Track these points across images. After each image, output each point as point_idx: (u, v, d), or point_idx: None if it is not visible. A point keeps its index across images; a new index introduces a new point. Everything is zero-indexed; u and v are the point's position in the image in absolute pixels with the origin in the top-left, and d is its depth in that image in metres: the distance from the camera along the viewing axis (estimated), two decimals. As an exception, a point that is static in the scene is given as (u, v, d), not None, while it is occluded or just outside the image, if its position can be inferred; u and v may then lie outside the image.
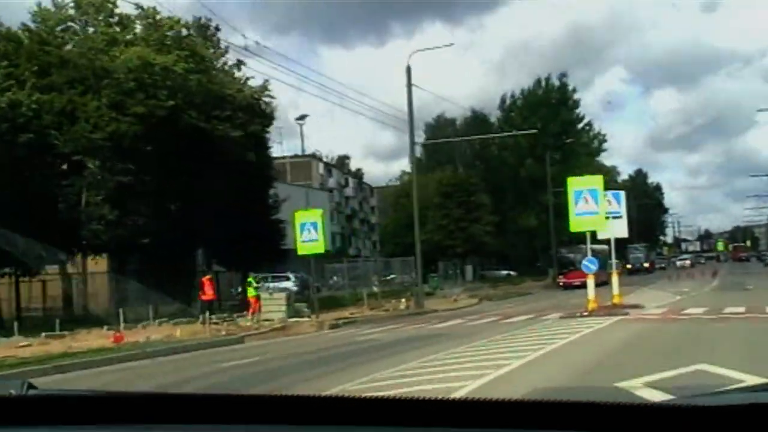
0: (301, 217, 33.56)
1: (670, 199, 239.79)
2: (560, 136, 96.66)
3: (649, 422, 1.61)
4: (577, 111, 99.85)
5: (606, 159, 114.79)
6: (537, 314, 30.07)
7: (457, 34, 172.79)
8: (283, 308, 32.41)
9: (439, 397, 1.81)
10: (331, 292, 52.68)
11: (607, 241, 32.40)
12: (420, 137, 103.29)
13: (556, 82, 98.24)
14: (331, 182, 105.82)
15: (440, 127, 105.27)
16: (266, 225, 42.80)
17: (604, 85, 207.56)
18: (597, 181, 30.26)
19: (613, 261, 31.69)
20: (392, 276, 57.62)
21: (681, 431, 1.59)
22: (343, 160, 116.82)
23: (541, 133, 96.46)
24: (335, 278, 56.65)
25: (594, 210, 30.34)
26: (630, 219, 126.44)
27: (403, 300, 38.45)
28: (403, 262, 57.92)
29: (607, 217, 31.02)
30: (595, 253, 41.10)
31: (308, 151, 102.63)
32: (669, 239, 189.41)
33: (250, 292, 35.13)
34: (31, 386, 2.07)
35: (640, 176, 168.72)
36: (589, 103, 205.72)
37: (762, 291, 37.81)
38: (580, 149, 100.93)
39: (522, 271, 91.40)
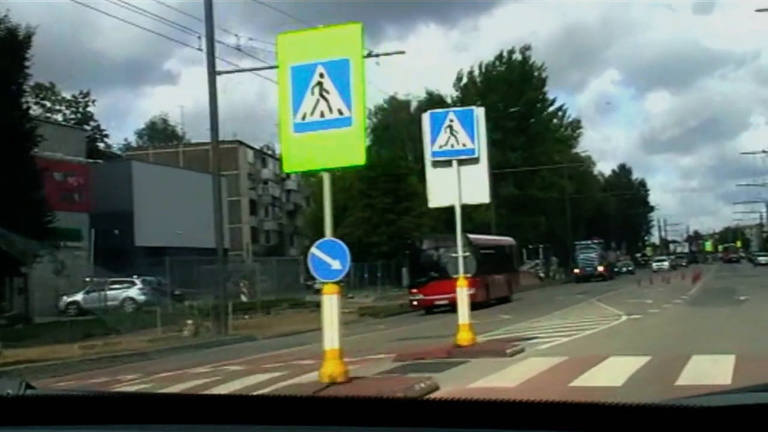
0: None
1: (663, 201, 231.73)
2: (524, 119, 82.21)
3: (651, 422, 1.58)
4: (545, 90, 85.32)
5: (600, 163, 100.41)
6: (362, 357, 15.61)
7: (452, 36, 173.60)
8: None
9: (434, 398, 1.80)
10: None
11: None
12: (370, 121, 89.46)
13: (520, 57, 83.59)
14: (266, 173, 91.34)
15: (393, 110, 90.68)
16: (24, 206, 28.28)
17: (598, 87, 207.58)
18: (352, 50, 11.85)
19: (460, 257, 16.57)
20: (263, 279, 43.00)
21: (685, 431, 1.56)
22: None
23: (500, 114, 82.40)
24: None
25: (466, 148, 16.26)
26: (608, 216, 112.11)
27: (190, 322, 23.90)
28: (283, 263, 43.43)
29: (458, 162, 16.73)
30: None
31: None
32: (655, 240, 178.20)
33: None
34: (28, 386, 2.02)
35: (623, 171, 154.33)
36: (583, 105, 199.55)
37: (763, 304, 23.64)
38: (547, 134, 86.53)
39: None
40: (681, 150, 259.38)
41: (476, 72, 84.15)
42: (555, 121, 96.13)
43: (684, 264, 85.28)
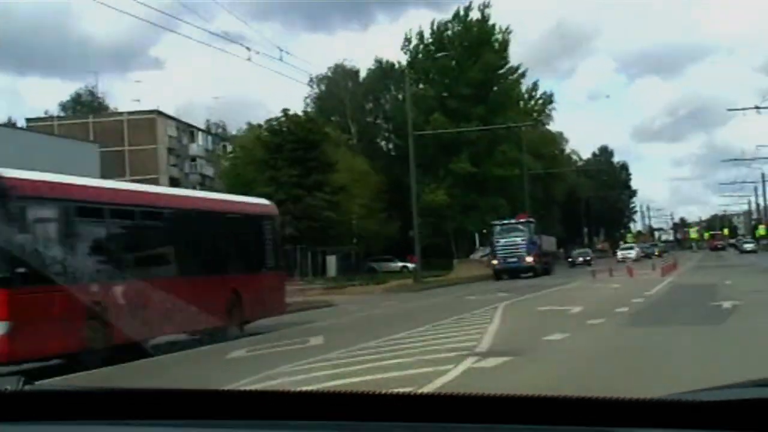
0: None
1: (650, 189, 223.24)
2: (482, 86, 70.77)
3: (650, 417, 1.55)
4: (507, 55, 73.76)
5: (583, 148, 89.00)
6: None
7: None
8: None
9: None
10: None
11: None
12: (312, 90, 78.06)
13: (478, 15, 72.01)
14: (195, 148, 79.82)
15: (338, 79, 79.19)
16: None
17: (588, 75, 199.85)
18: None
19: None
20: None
21: (683, 426, 1.52)
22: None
23: (454, 80, 71.08)
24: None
25: None
26: (583, 200, 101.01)
27: None
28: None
29: None
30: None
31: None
32: (640, 227, 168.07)
33: None
34: (27, 382, 1.97)
35: (604, 154, 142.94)
36: (575, 92, 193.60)
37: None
38: (509, 104, 75.11)
39: (436, 262, 65.04)
40: (669, 138, 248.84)
41: (427, 33, 72.57)
42: (522, 91, 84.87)
43: (656, 253, 72.45)
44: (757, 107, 42.69)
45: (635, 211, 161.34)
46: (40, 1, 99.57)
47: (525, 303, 22.05)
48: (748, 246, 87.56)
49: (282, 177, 45.66)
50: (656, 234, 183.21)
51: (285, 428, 1.74)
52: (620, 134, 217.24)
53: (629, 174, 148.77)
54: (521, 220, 51.63)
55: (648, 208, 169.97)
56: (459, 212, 70.01)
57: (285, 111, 47.96)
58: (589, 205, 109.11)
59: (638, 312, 17.27)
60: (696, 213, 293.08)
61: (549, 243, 58.94)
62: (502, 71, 73.89)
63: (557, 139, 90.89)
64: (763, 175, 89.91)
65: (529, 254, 47.97)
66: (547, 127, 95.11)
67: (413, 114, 71.04)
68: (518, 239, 48.77)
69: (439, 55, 68.33)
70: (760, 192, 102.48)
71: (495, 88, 72.32)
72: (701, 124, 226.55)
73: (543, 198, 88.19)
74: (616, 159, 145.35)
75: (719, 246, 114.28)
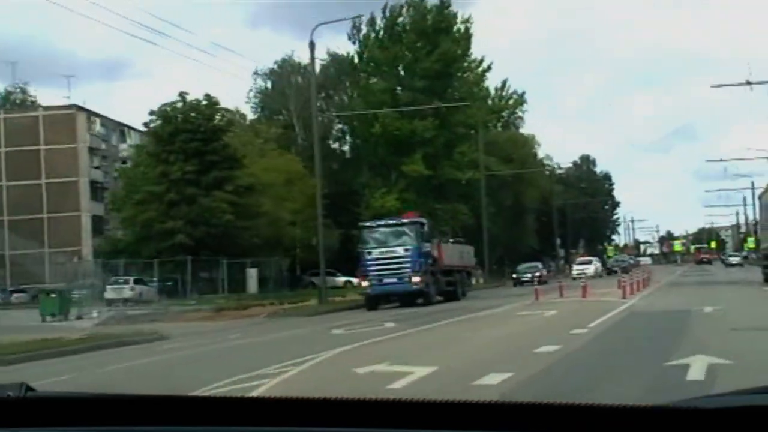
0: None
1: (637, 202, 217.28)
2: (439, 78, 62.40)
3: (652, 424, 1.55)
4: (470, 47, 65.31)
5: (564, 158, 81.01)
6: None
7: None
8: None
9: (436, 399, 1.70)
10: None
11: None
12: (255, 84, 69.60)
13: (436, 1, 63.48)
14: (126, 148, 71.17)
15: (285, 73, 70.74)
16: None
17: (579, 87, 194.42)
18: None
19: None
20: None
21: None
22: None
23: (408, 71, 62.66)
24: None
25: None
26: (558, 209, 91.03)
27: None
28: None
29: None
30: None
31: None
32: (624, 240, 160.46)
33: None
34: (29, 388, 1.96)
35: (586, 163, 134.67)
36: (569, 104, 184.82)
37: None
38: (472, 101, 66.59)
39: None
40: (657, 151, 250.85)
41: (379, 20, 64.10)
42: (490, 89, 76.58)
43: (622, 268, 61.97)
44: (748, 82, 34.98)
45: (618, 223, 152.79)
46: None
47: (366, 352, 13.43)
48: (734, 259, 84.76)
49: (174, 173, 37.10)
50: (642, 247, 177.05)
51: None
52: (608, 146, 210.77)
53: (612, 184, 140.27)
54: (405, 221, 34.73)
55: (632, 220, 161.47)
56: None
57: (182, 94, 39.40)
58: (565, 214, 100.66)
59: (518, 386, 8.71)
60: (684, 226, 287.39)
61: (461, 254, 41.56)
62: (464, 64, 65.41)
63: (529, 143, 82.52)
64: (752, 183, 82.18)
65: (416, 272, 32.14)
66: (521, 131, 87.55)
67: (361, 108, 63.04)
68: (400, 249, 32.70)
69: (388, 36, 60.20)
70: (749, 201, 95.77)
71: (455, 83, 63.86)
72: (691, 138, 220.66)
73: (513, 205, 79.99)
74: (598, 169, 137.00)
75: (705, 260, 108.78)
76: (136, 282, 40.77)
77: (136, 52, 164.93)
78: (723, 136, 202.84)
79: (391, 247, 32.84)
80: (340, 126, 72.64)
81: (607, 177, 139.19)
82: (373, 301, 32.13)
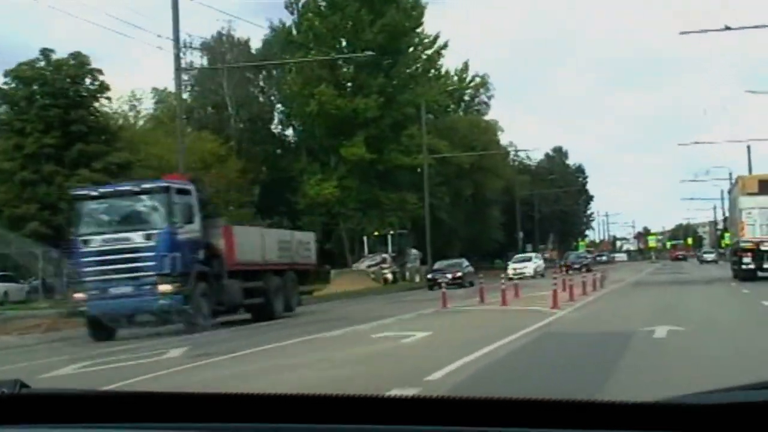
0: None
1: (614, 198, 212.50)
2: (384, 53, 55.53)
3: (652, 420, 1.53)
4: (421, 21, 58.46)
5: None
6: None
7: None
8: None
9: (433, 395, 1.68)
10: None
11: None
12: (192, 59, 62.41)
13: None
14: None
15: (223, 51, 63.50)
16: None
17: (565, 83, 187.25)
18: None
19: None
20: None
21: (679, 429, 1.51)
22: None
23: (349, 43, 55.78)
24: None
25: None
26: (531, 203, 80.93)
27: None
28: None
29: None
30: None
31: None
32: (599, 236, 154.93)
33: None
34: (23, 385, 1.91)
35: (557, 154, 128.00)
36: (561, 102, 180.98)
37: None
38: (422, 79, 59.98)
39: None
40: (637, 148, 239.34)
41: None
42: (450, 71, 69.91)
43: (584, 265, 54.06)
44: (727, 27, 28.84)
45: (593, 218, 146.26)
46: None
47: None
48: (709, 256, 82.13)
49: (30, 146, 30.04)
50: (618, 243, 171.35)
51: None
52: (585, 141, 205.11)
53: (585, 176, 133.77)
54: (147, 186, 20.60)
55: (607, 215, 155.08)
56: (357, 210, 54.76)
57: (45, 52, 32.22)
58: (533, 207, 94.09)
59: None
60: (662, 223, 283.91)
61: (284, 246, 25.72)
62: (414, 40, 58.54)
63: (491, 128, 75.71)
64: (730, 175, 76.29)
65: (166, 276, 19.20)
66: (485, 118, 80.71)
67: (296, 87, 56.07)
68: (137, 236, 19.42)
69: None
70: (726, 195, 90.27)
71: (404, 60, 57.02)
72: (670, 134, 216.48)
73: (474, 196, 73.26)
74: (571, 161, 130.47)
75: (680, 256, 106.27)
76: (1, 279, 34.07)
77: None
78: (704, 132, 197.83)
79: (121, 232, 19.49)
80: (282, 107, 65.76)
81: (580, 170, 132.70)
82: (98, 326, 19.25)
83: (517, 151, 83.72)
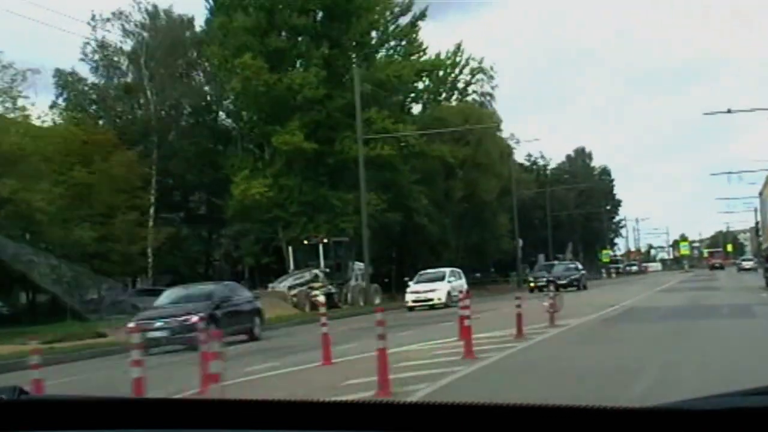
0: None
1: (650, 207, 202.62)
2: (330, 16, 43.96)
3: (652, 425, 1.52)
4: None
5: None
6: None
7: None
8: None
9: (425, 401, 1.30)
10: None
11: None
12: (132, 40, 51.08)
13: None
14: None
15: (169, 29, 51.77)
16: None
17: (593, 90, 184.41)
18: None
19: None
20: None
21: None
22: None
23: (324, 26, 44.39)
24: None
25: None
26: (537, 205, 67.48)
27: None
28: None
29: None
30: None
31: None
32: (630, 245, 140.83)
33: None
34: (22, 392, 1.92)
35: (579, 156, 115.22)
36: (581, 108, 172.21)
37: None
38: (402, 60, 48.55)
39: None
40: (672, 154, 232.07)
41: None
42: (438, 55, 58.24)
43: (564, 283, 39.66)
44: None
45: (622, 225, 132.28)
46: None
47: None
48: (747, 264, 76.76)
49: None
50: (653, 252, 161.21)
51: None
52: (618, 148, 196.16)
53: (612, 180, 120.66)
54: None
55: (637, 220, 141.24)
56: (300, 215, 42.95)
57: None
58: (545, 212, 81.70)
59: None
60: (700, 230, 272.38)
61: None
62: (375, 6, 46.60)
63: (487, 118, 63.41)
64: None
65: None
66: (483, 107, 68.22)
67: (217, 60, 44.53)
68: None
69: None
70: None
71: (356, 26, 45.11)
72: (704, 140, 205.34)
73: (469, 198, 61.19)
74: (596, 163, 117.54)
75: (716, 264, 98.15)
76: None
77: None
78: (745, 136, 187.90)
79: None
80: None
81: (605, 172, 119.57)
82: None
83: (518, 142, 70.46)
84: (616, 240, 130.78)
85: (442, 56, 61.00)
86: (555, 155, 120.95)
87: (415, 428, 1.58)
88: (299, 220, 42.64)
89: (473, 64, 64.51)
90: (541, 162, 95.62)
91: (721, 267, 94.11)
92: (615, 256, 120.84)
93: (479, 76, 66.50)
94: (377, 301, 38.18)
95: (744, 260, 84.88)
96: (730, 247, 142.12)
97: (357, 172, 45.88)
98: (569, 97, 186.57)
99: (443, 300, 33.49)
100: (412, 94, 56.82)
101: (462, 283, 35.62)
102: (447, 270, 38.01)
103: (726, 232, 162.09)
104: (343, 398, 7.40)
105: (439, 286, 34.97)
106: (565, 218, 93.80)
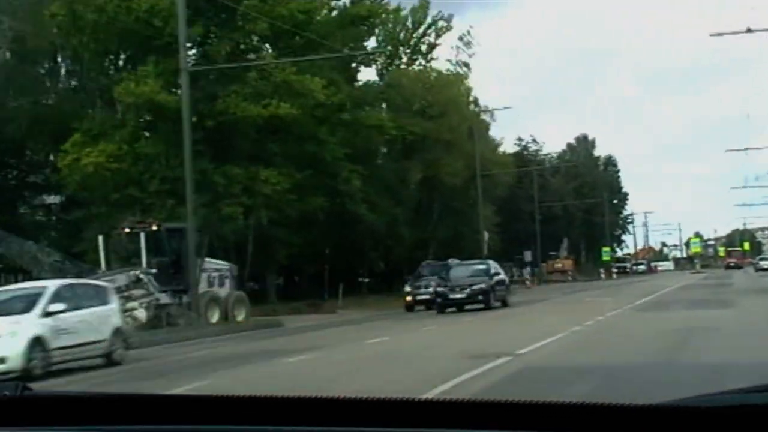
0: None
1: (666, 205, 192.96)
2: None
3: (655, 423, 1.51)
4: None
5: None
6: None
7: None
8: None
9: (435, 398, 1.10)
10: None
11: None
12: None
13: None
14: None
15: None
16: None
17: (609, 91, 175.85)
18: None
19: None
20: None
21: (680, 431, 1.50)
22: None
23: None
24: None
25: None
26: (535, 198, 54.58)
27: None
28: None
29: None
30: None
31: None
32: (641, 242, 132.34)
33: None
34: (25, 387, 1.88)
35: (582, 144, 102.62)
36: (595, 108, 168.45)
37: None
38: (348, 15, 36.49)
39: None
40: (690, 154, 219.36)
41: None
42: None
43: (426, 296, 27.48)
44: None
45: (630, 221, 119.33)
46: None
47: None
48: (766, 263, 71.20)
49: None
50: (666, 250, 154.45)
51: None
52: (635, 149, 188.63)
53: (617, 170, 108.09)
54: None
55: (645, 215, 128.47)
56: (167, 195, 31.01)
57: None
58: (534, 201, 69.33)
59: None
60: (714, 227, 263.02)
61: None
62: None
63: (452, 84, 51.06)
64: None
65: None
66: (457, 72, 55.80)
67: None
68: None
69: None
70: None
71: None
72: (721, 139, 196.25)
73: (432, 182, 49.34)
74: (600, 153, 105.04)
75: (733, 264, 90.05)
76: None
77: None
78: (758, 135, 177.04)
79: None
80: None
81: (611, 162, 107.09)
82: None
83: (488, 110, 57.09)
84: (624, 237, 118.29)
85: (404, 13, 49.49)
86: (556, 147, 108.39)
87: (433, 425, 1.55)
88: (165, 203, 30.70)
89: (442, 24, 52.33)
90: (532, 147, 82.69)
91: (738, 267, 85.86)
92: (618, 254, 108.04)
93: (456, 43, 54.52)
94: (241, 317, 26.25)
95: (762, 260, 78.76)
96: (747, 246, 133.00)
97: (252, 140, 34.00)
98: (577, 97, 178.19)
99: (143, 318, 22.61)
100: (359, 53, 44.71)
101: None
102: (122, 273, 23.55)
103: (743, 229, 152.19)
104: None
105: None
106: (560, 210, 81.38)
